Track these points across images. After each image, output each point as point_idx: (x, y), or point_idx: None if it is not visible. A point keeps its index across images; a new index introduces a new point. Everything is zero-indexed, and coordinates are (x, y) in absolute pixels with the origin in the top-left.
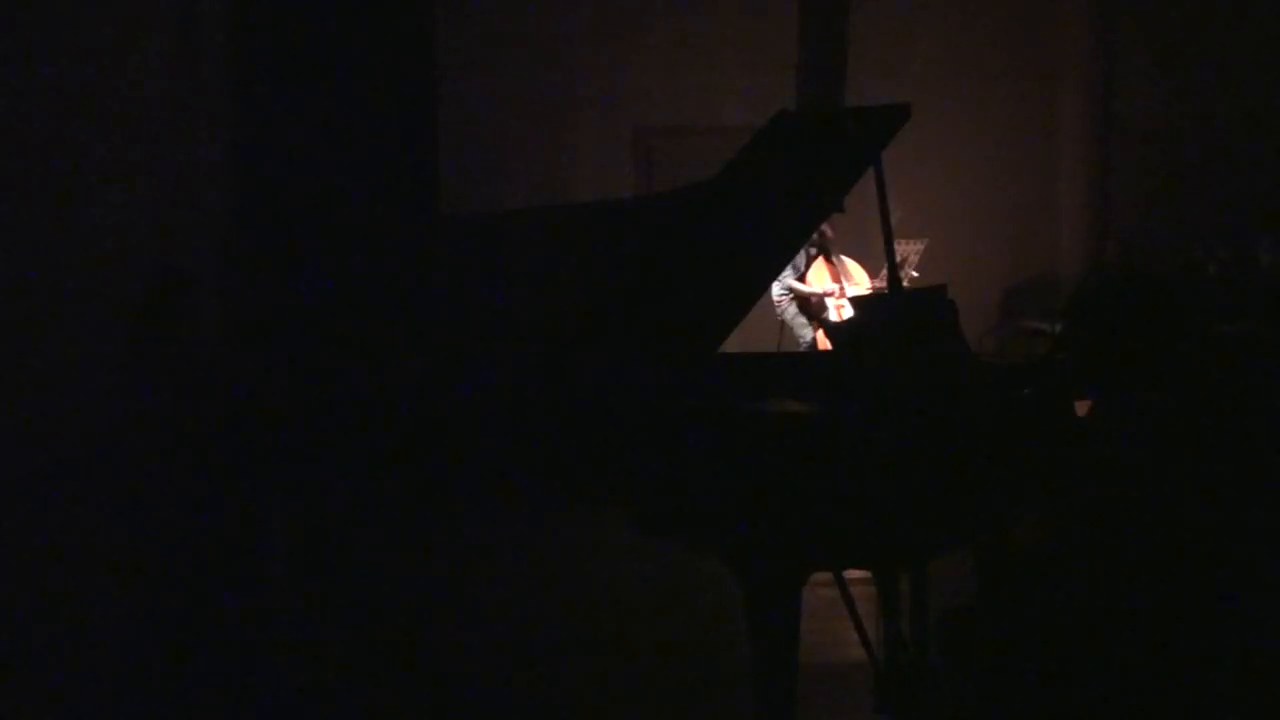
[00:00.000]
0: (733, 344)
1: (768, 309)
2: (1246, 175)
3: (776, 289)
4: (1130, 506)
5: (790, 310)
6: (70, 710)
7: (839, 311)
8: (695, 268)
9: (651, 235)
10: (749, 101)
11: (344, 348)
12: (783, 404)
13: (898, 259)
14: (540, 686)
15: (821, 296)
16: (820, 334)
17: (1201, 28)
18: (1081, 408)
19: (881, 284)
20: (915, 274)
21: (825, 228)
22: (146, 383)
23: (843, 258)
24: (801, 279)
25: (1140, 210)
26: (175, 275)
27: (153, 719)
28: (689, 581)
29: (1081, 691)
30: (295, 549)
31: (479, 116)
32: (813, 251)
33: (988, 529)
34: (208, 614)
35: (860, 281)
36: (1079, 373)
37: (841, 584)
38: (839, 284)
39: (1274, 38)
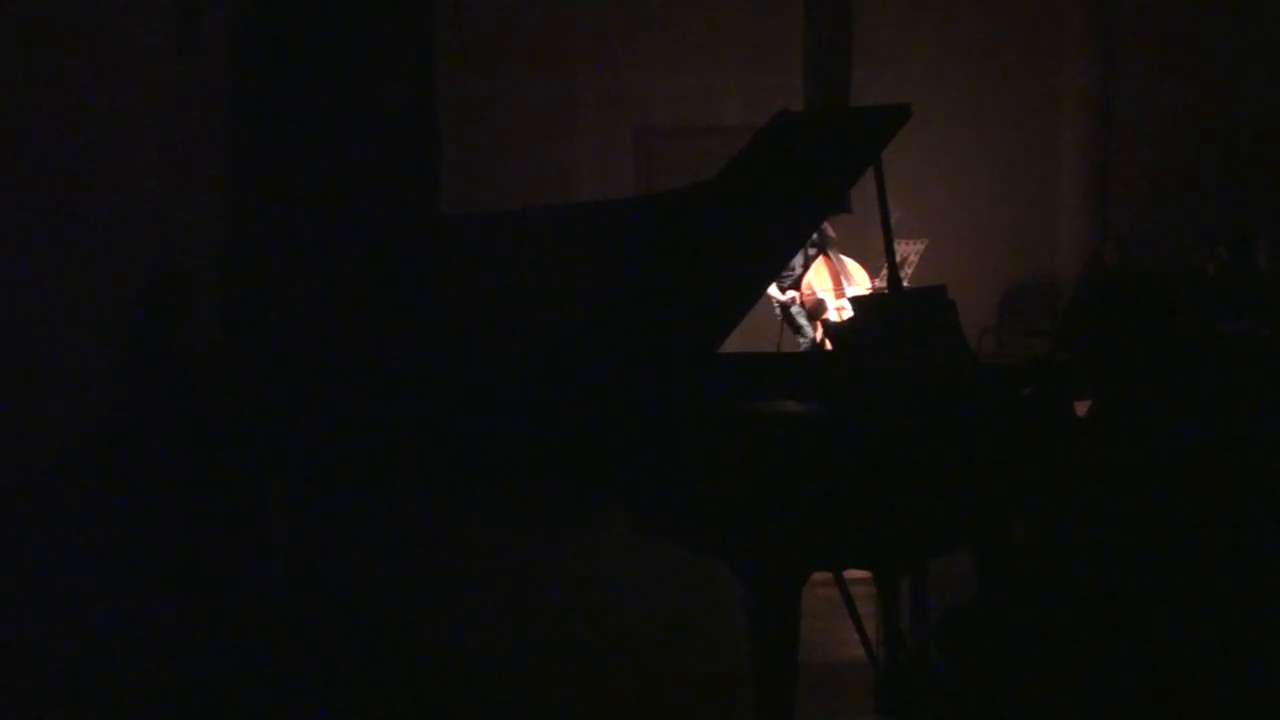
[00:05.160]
0: (733, 344)
1: (767, 309)
2: (1246, 175)
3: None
4: (1129, 506)
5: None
6: (70, 710)
7: (839, 312)
8: (695, 268)
9: (651, 235)
10: (749, 101)
11: (344, 348)
12: (783, 404)
13: (898, 259)
14: (539, 686)
15: (784, 305)
16: (820, 334)
17: (1201, 28)
18: (1081, 408)
19: (881, 284)
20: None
21: (826, 226)
22: (146, 382)
23: (843, 258)
24: (800, 279)
25: (1140, 210)
26: (175, 275)
27: (153, 718)
28: (689, 581)
29: (1081, 691)
30: (295, 548)
31: (479, 116)
32: (812, 251)
33: (988, 529)
34: (208, 611)
35: (860, 281)
36: (1079, 373)
37: (841, 584)
38: (834, 288)
39: (1274, 38)
